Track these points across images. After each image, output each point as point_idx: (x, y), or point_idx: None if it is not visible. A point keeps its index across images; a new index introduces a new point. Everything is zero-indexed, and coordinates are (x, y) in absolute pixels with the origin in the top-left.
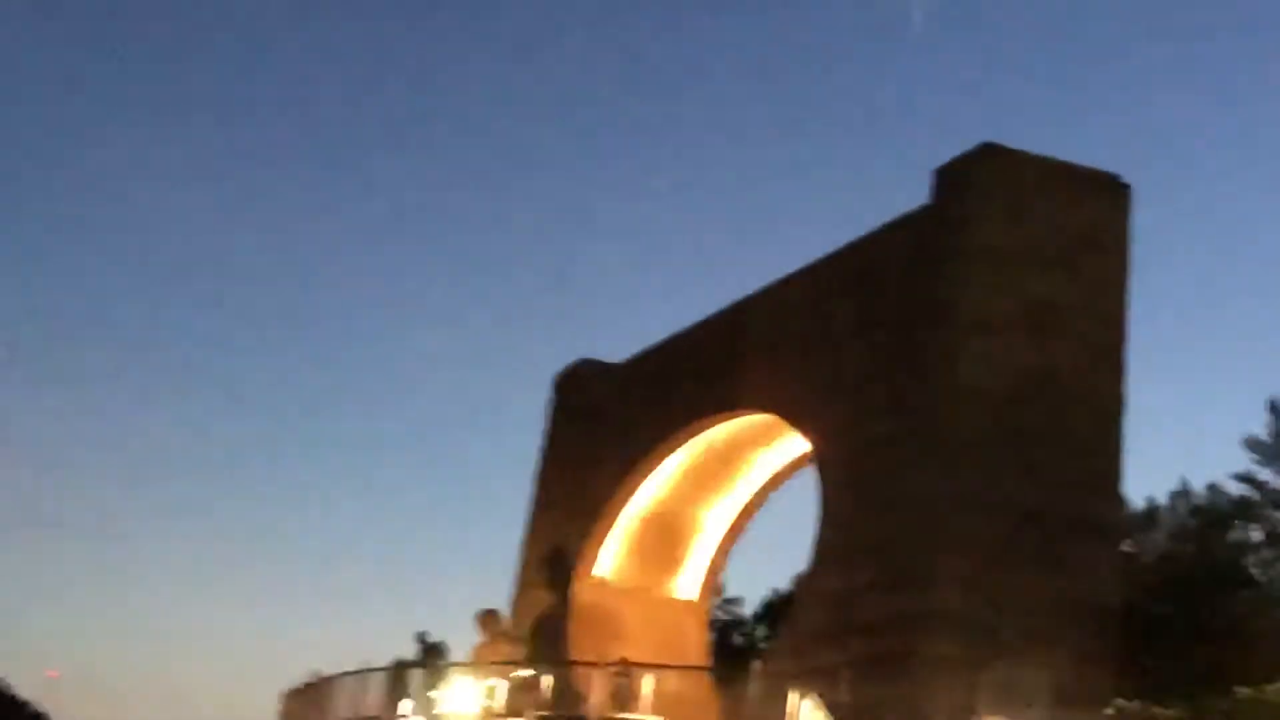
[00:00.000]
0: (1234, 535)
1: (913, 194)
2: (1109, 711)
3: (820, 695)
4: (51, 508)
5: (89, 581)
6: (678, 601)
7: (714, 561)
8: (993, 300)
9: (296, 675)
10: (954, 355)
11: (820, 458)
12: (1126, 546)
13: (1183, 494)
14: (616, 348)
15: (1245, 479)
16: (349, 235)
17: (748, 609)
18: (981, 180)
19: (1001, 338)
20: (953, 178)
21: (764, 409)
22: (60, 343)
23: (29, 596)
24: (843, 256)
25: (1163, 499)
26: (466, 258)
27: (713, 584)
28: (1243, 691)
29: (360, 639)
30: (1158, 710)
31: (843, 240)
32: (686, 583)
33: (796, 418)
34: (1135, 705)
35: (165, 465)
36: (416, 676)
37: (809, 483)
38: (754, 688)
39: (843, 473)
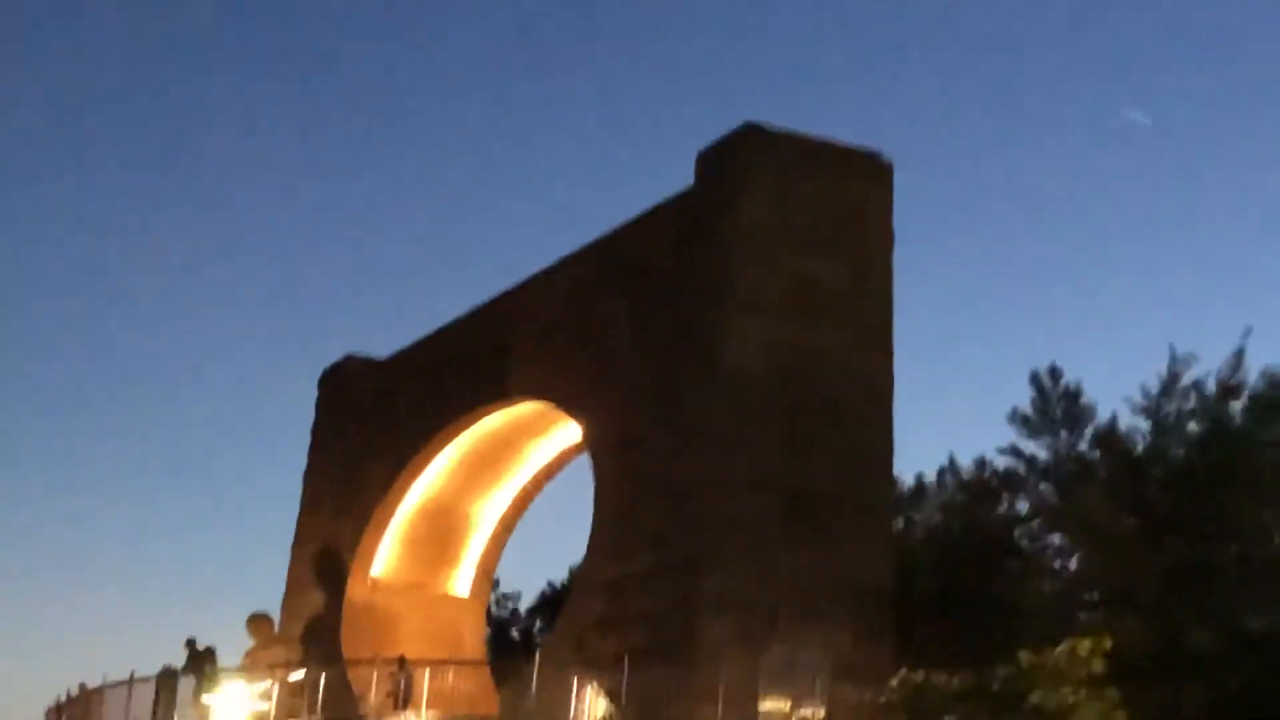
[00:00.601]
0: (1001, 509)
1: (679, 179)
2: (893, 684)
3: (601, 684)
4: None
5: None
6: (453, 598)
7: (488, 556)
8: (759, 281)
9: (59, 690)
10: (721, 337)
11: (593, 446)
12: (898, 524)
13: (951, 469)
14: (385, 343)
15: (1012, 452)
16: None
17: (523, 604)
18: (744, 160)
19: (769, 318)
20: (717, 159)
21: (536, 397)
22: None
23: None
24: (610, 242)
25: (931, 476)
26: (238, 244)
27: (489, 578)
28: (1025, 657)
29: (126, 650)
30: (940, 679)
31: (610, 225)
32: (462, 578)
33: (568, 405)
34: (918, 676)
35: None
36: (187, 683)
37: (581, 473)
38: (535, 679)
39: (615, 460)
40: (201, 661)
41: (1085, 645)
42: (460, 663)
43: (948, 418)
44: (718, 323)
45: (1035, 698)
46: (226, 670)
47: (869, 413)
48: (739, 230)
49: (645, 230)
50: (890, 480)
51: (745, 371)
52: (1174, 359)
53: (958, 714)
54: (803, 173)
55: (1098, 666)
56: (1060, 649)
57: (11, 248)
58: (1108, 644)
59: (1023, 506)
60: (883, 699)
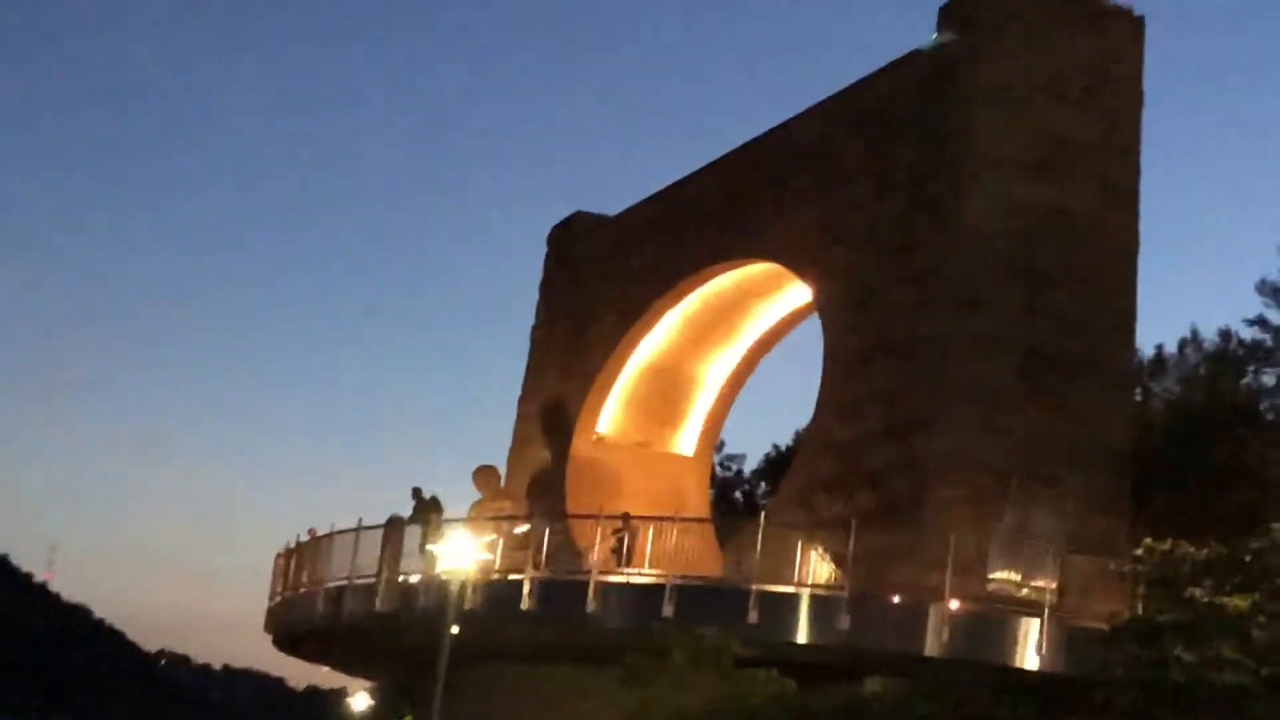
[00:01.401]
0: (1246, 380)
1: (921, 31)
2: (1137, 552)
3: (826, 546)
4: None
5: (82, 449)
6: (678, 457)
7: (714, 416)
8: (1003, 135)
9: (291, 536)
10: (963, 194)
11: (824, 304)
12: (1137, 394)
13: (1193, 341)
14: (613, 201)
15: (1258, 323)
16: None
17: (748, 466)
18: (990, 14)
19: (1012, 173)
20: (961, 13)
21: (767, 257)
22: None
23: (26, 466)
24: (848, 95)
25: (1171, 347)
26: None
27: (713, 439)
28: (1277, 529)
29: (354, 500)
30: (1188, 549)
31: (849, 80)
32: (686, 438)
33: (800, 264)
34: (1165, 546)
35: (158, 331)
36: (413, 532)
37: (805, 338)
38: (758, 540)
39: (847, 317)
40: (427, 511)
41: None
42: (684, 520)
43: (1190, 288)
44: (959, 177)
45: None
46: (451, 520)
47: (1112, 275)
48: (983, 82)
49: (886, 83)
50: (1132, 345)
51: (985, 228)
52: None
53: (1207, 585)
54: (1051, 25)
55: None
56: None
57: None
58: None
59: (1269, 378)
60: (1126, 567)
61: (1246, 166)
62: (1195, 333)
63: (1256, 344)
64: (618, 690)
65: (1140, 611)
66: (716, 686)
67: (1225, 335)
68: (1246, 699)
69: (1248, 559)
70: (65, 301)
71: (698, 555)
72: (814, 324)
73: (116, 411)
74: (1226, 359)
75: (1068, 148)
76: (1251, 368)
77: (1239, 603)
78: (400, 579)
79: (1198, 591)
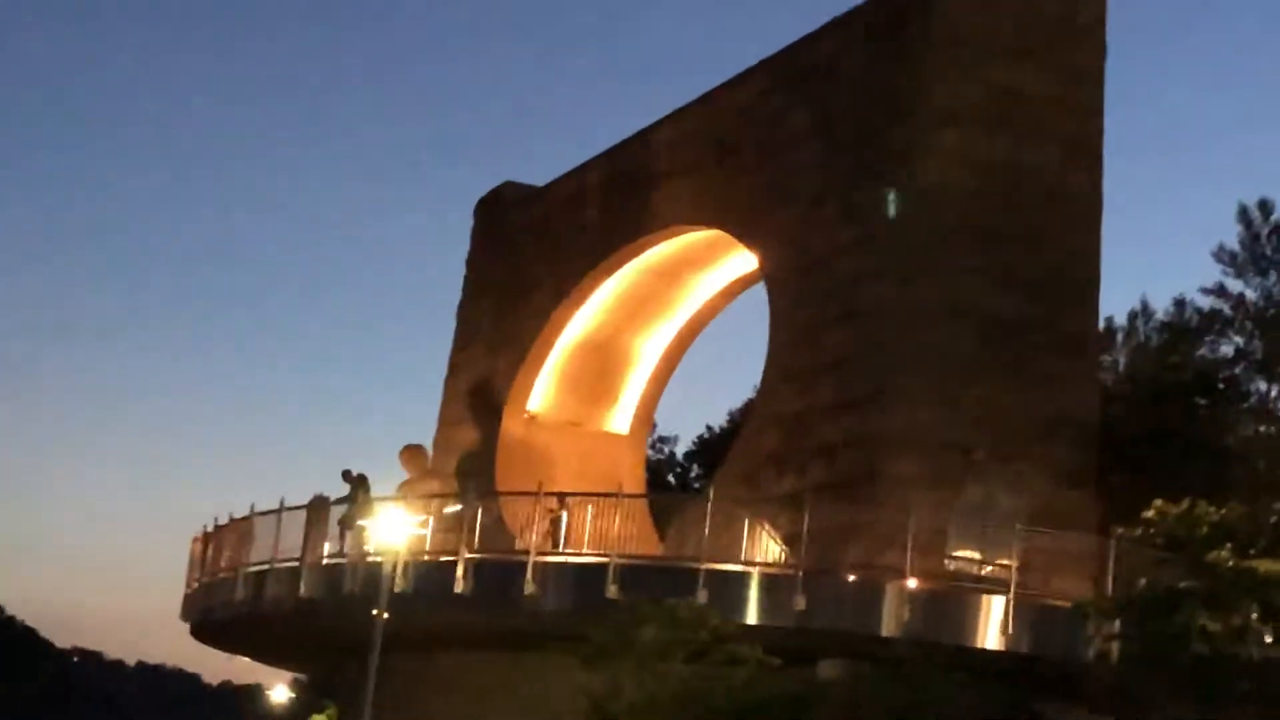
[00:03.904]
0: (1201, 352)
1: None
2: (1148, 514)
3: (775, 524)
4: None
5: None
6: (612, 436)
7: (649, 394)
8: (958, 92)
9: (206, 520)
10: (915, 152)
11: (770, 271)
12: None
13: (1143, 312)
14: (544, 171)
15: (1215, 291)
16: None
17: (680, 448)
18: None
19: (968, 131)
20: None
21: (707, 223)
22: None
23: None
24: (792, 53)
25: (1120, 318)
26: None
27: (648, 418)
28: None
29: (278, 487)
30: (1207, 510)
31: (791, 38)
32: (621, 416)
33: (743, 230)
34: (1180, 508)
35: (67, 322)
36: (339, 513)
37: (738, 312)
38: (706, 516)
39: (796, 283)
40: (355, 490)
41: None
42: (629, 496)
43: (1135, 256)
44: (912, 136)
45: None
46: (380, 499)
47: (1075, 237)
48: (937, 36)
49: (832, 39)
50: (1096, 312)
51: (942, 189)
52: None
53: (1230, 548)
54: None
55: None
56: None
57: None
58: None
59: (1228, 348)
60: (1138, 531)
61: (1203, 126)
62: (1145, 303)
63: (1214, 312)
64: (556, 678)
65: (1110, 589)
66: (693, 665)
67: (1180, 304)
68: (1276, 671)
69: (1273, 520)
70: None
71: (634, 537)
72: (743, 301)
73: (25, 403)
74: (1182, 328)
75: (1027, 104)
76: (1209, 338)
77: (1270, 566)
78: (325, 562)
79: (1222, 554)
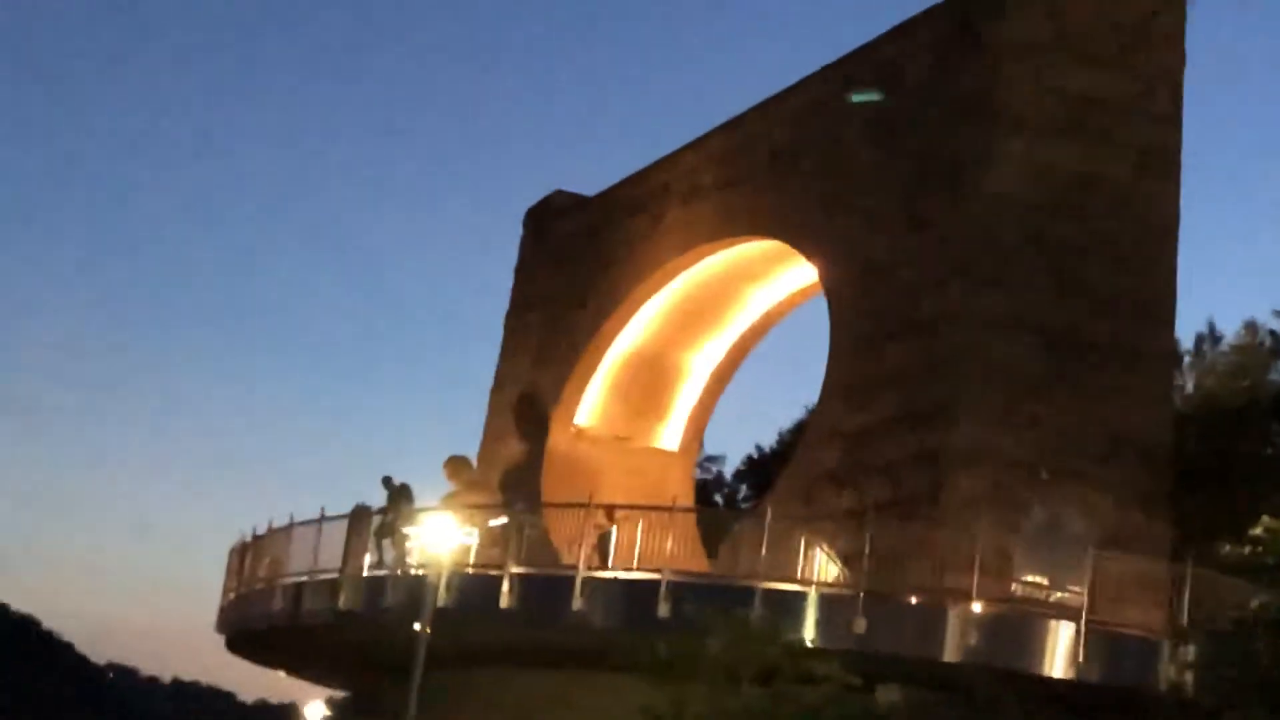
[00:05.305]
0: (1273, 375)
1: None
2: (1256, 531)
3: (833, 544)
4: None
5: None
6: (661, 452)
7: (700, 409)
8: (1029, 97)
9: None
10: (984, 160)
11: (831, 282)
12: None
13: (1210, 336)
14: (594, 180)
15: None
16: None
17: (728, 468)
18: None
19: (1038, 139)
20: None
21: (765, 233)
22: None
23: None
24: (857, 58)
25: (1187, 341)
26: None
27: (699, 433)
28: None
29: (317, 501)
30: None
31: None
32: (670, 432)
33: (802, 239)
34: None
35: (101, 338)
36: (378, 522)
37: (787, 335)
38: (764, 534)
39: (856, 296)
40: (398, 499)
41: None
42: (683, 510)
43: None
44: (979, 143)
45: None
46: (424, 510)
47: (1149, 249)
48: (1008, 39)
49: (897, 43)
50: (1171, 327)
51: (1009, 198)
52: None
53: None
54: None
55: None
56: None
57: None
58: None
59: None
60: (1245, 549)
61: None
62: (1212, 326)
63: None
64: (605, 696)
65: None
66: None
67: (1251, 327)
68: None
69: None
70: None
71: (682, 555)
72: (796, 319)
73: (62, 420)
74: (1254, 350)
75: (1101, 112)
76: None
77: None
78: (365, 574)
79: None
